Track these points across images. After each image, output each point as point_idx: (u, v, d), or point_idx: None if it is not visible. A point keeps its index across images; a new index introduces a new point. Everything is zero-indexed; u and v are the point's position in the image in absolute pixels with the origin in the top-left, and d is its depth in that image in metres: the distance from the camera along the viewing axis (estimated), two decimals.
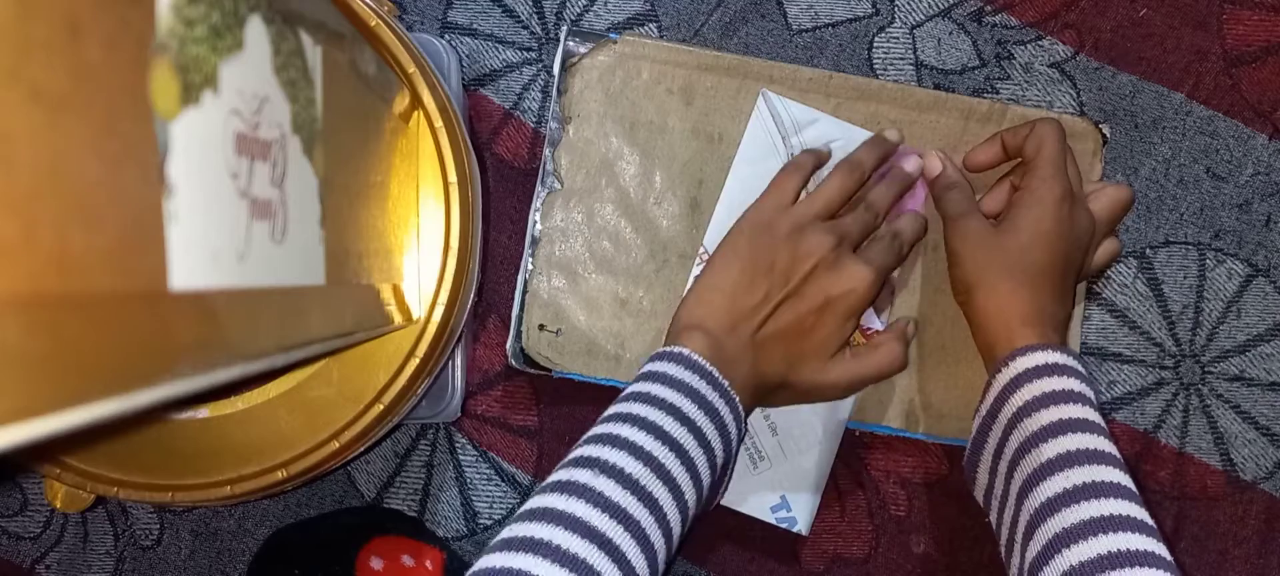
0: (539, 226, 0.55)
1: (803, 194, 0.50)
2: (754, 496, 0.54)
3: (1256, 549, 0.56)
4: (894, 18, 0.57)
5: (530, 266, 0.55)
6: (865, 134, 0.54)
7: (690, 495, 0.40)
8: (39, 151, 0.17)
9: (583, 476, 0.38)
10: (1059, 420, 0.41)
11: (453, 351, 0.51)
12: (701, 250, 0.54)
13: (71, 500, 0.46)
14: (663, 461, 0.39)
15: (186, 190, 0.22)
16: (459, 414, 0.56)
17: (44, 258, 0.17)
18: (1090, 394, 0.43)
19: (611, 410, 0.42)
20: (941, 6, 0.57)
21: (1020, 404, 0.43)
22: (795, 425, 0.53)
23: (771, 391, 0.48)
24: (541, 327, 0.55)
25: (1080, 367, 0.44)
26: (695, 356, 0.43)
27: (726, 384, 0.43)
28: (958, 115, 0.54)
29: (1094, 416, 0.42)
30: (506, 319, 0.56)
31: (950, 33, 0.57)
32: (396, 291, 0.44)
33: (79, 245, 0.18)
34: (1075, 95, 0.56)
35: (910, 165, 0.52)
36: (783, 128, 0.54)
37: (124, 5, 0.20)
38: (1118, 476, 0.39)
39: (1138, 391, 0.56)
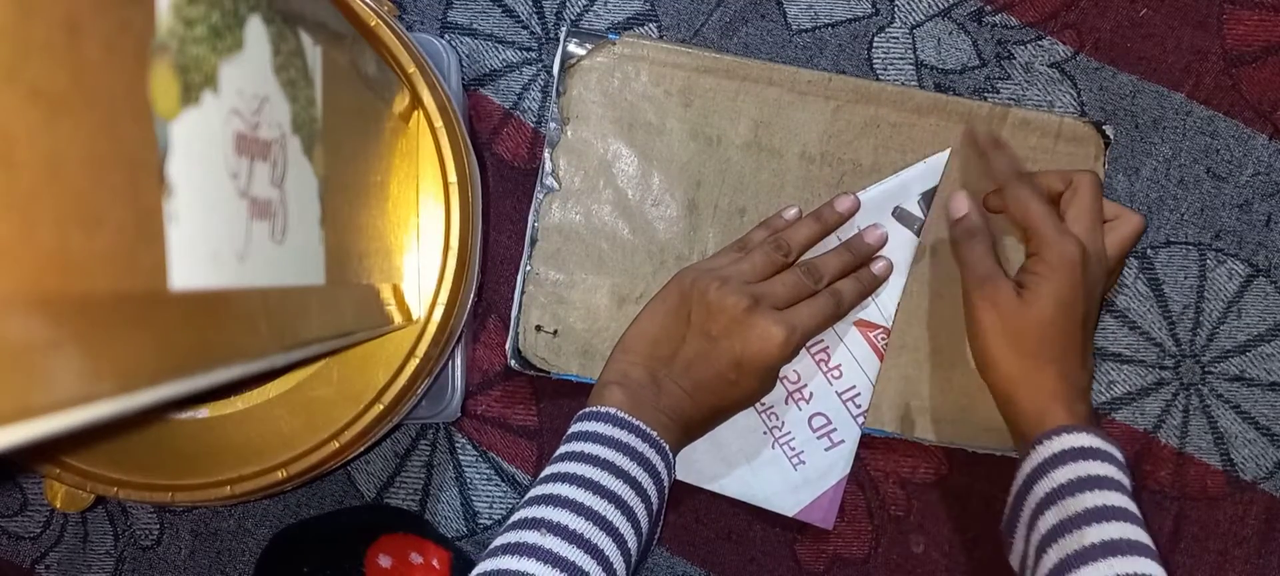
0: (537, 227, 0.55)
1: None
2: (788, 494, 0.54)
3: (1256, 549, 0.56)
4: (894, 18, 0.57)
5: (528, 267, 0.55)
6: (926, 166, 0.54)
7: (631, 542, 0.42)
8: (39, 151, 0.17)
9: (530, 537, 0.39)
10: (1100, 506, 0.41)
11: (453, 351, 0.51)
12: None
13: (71, 500, 0.46)
14: (604, 514, 0.41)
15: (186, 190, 0.22)
16: (459, 414, 0.56)
17: (44, 258, 0.17)
18: (1126, 481, 0.43)
19: (547, 471, 0.43)
20: (941, 6, 0.57)
21: (1059, 483, 0.43)
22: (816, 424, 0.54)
23: (700, 427, 0.49)
24: (538, 329, 0.55)
25: (1116, 453, 0.44)
26: (619, 413, 0.45)
27: (654, 433, 0.45)
28: (958, 119, 0.54)
29: (1132, 506, 0.42)
30: (506, 319, 0.56)
31: (950, 33, 0.57)
32: (396, 291, 0.44)
33: (79, 245, 0.18)
34: (1075, 95, 0.56)
35: (871, 237, 0.53)
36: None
37: (124, 5, 0.20)
38: (1158, 571, 0.40)
39: (1138, 391, 0.56)
